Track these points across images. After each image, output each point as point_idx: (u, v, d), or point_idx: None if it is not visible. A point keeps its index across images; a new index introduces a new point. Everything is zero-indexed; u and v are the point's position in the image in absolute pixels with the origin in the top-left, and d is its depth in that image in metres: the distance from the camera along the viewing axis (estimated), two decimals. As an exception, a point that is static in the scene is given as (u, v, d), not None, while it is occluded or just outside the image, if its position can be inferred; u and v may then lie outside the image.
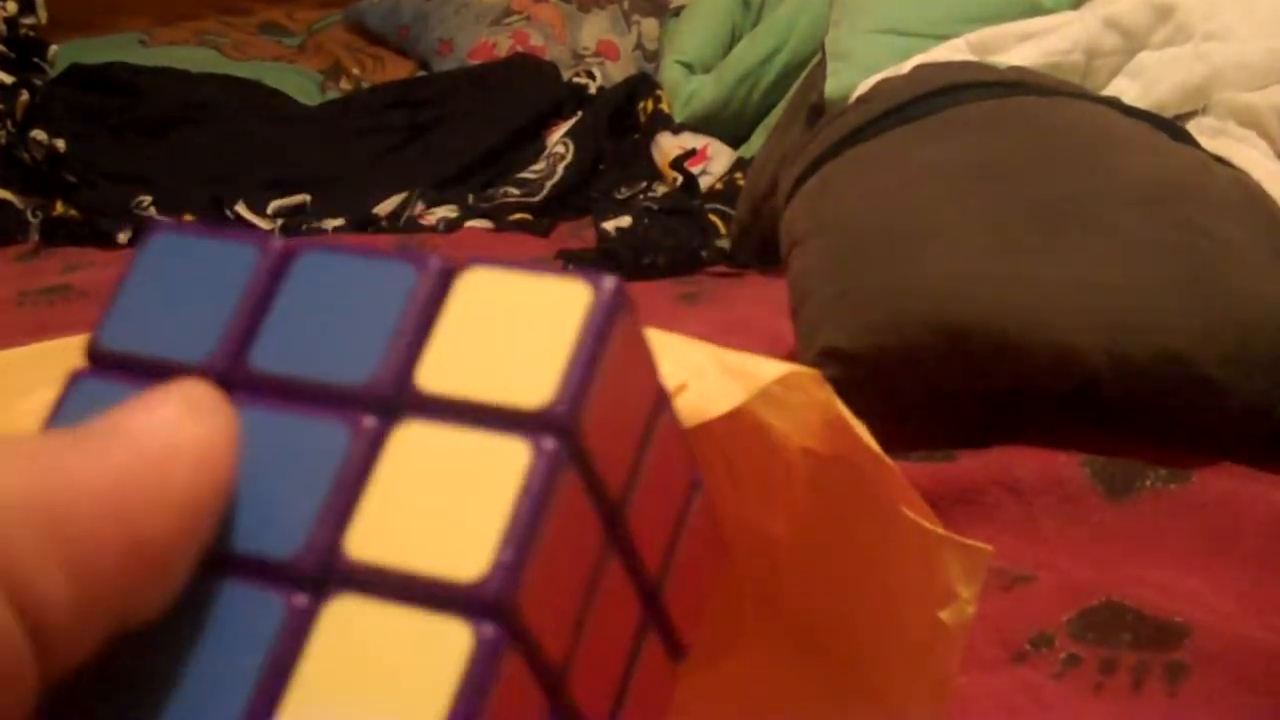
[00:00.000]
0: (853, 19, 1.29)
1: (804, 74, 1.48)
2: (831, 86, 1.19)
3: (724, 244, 1.39)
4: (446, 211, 1.57)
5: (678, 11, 2.14)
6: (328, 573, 0.17)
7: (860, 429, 0.35)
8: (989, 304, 0.78)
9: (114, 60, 2.01)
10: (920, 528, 0.36)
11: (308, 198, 1.60)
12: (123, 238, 1.46)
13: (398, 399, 0.18)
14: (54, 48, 1.68)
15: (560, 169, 1.69)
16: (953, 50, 1.09)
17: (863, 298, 0.81)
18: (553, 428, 0.17)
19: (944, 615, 0.37)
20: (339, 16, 2.44)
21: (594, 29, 2.18)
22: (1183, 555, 0.68)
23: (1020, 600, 0.65)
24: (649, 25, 2.19)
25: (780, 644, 0.39)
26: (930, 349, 0.79)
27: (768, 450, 0.35)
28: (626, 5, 2.21)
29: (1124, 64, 1.06)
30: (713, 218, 1.48)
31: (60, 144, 1.56)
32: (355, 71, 2.25)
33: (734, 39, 1.92)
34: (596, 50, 2.15)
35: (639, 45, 2.17)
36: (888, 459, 0.35)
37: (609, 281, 0.18)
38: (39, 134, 1.55)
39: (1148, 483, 0.72)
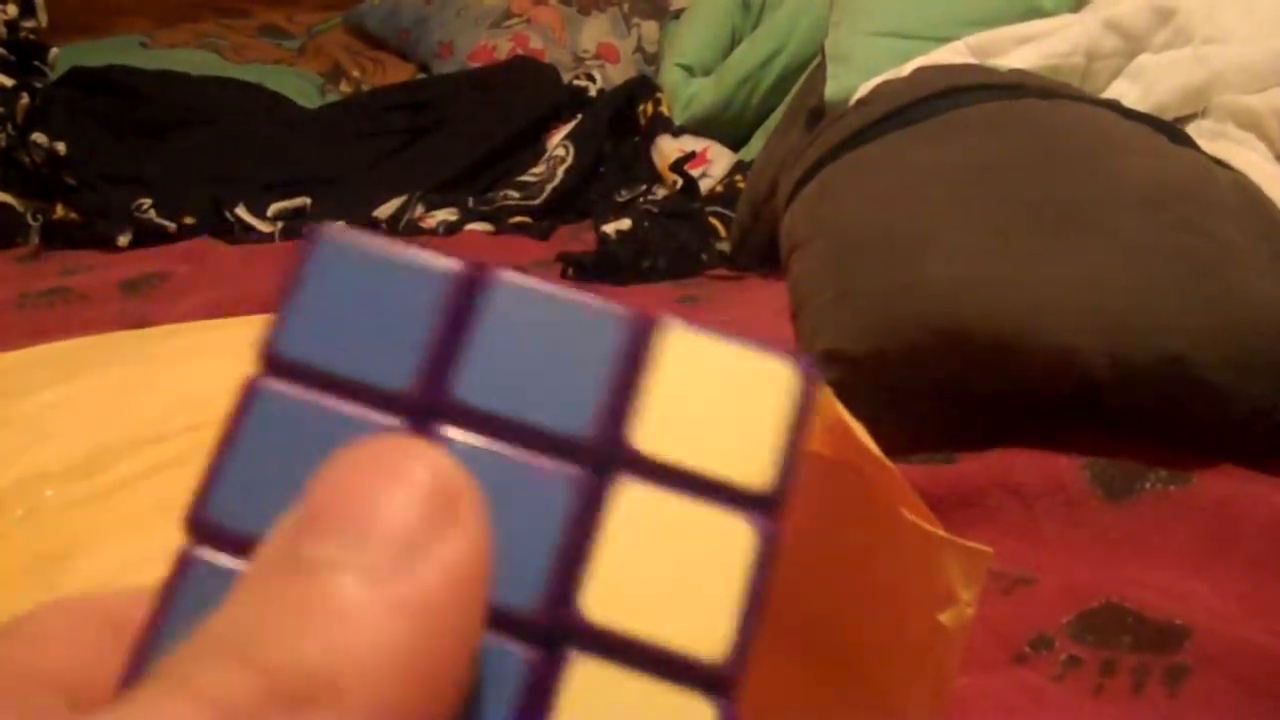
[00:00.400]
0: (852, 21, 1.30)
1: (804, 77, 1.49)
2: (831, 89, 1.19)
3: (724, 247, 1.39)
4: (446, 214, 1.58)
5: (678, 14, 2.14)
6: (563, 630, 0.17)
7: (860, 431, 0.35)
8: (989, 306, 0.78)
9: (114, 63, 2.01)
10: (920, 530, 0.36)
11: (308, 200, 1.61)
12: (123, 240, 1.46)
13: (612, 454, 0.18)
14: (54, 51, 1.68)
15: (560, 172, 1.69)
16: (953, 53, 1.09)
17: (863, 300, 0.81)
18: (771, 510, 0.18)
19: (944, 617, 0.37)
20: (339, 19, 2.45)
21: (594, 32, 2.18)
22: (1183, 557, 0.68)
23: (1020, 602, 0.65)
24: (649, 28, 2.19)
25: (780, 645, 0.39)
26: (930, 351, 0.79)
27: (768, 452, 0.35)
28: (626, 8, 2.21)
29: (1124, 66, 1.06)
30: (713, 220, 1.48)
31: (60, 147, 1.56)
32: (355, 74, 2.25)
33: (734, 42, 1.92)
34: (596, 53, 2.15)
35: (639, 48, 2.17)
36: (888, 461, 0.35)
37: (807, 361, 0.19)
38: (39, 137, 1.55)
39: (1148, 485, 0.72)
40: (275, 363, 0.18)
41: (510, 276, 0.18)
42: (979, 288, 0.78)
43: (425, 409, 0.18)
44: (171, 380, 0.45)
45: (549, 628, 0.17)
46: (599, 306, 0.18)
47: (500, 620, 0.16)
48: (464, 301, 0.18)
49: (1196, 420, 0.76)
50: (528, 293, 0.18)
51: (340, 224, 0.18)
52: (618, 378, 0.18)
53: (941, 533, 0.37)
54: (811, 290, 0.86)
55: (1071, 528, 0.71)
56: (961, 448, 0.76)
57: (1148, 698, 0.59)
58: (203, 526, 0.17)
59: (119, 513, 0.38)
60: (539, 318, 0.18)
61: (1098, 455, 0.74)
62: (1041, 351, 0.76)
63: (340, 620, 0.14)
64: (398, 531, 0.15)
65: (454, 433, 0.17)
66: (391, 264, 0.18)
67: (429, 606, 0.14)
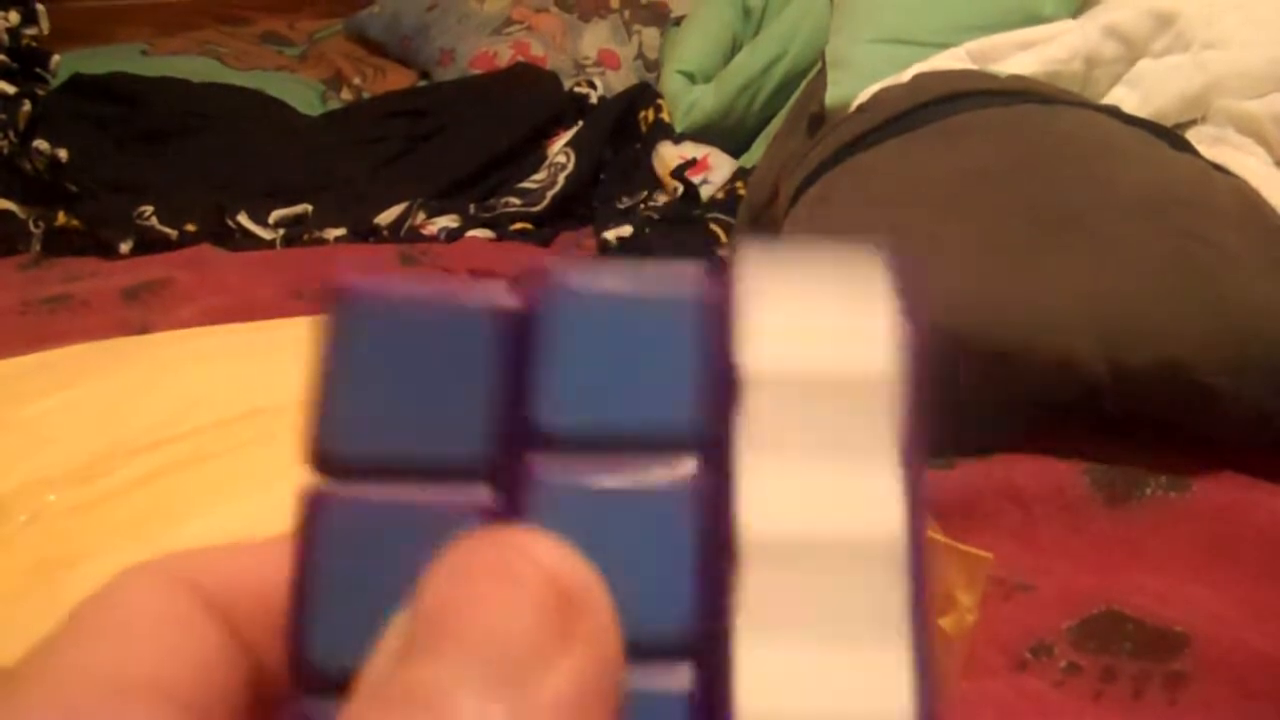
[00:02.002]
0: (853, 28, 1.30)
1: (804, 83, 1.49)
2: (832, 95, 1.19)
3: (725, 253, 1.39)
4: (448, 221, 1.58)
5: (678, 21, 2.15)
6: (717, 646, 0.15)
7: (860, 436, 0.35)
8: (989, 312, 0.78)
9: (116, 70, 2.01)
10: (920, 535, 0.36)
11: (309, 207, 1.61)
12: (124, 247, 1.46)
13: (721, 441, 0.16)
14: (56, 58, 1.68)
15: (561, 178, 1.69)
16: (953, 59, 1.09)
17: (863, 306, 0.82)
18: (913, 459, 0.17)
19: (945, 622, 0.37)
20: (340, 26, 2.45)
21: (595, 38, 2.18)
22: (1183, 563, 0.68)
23: (1021, 609, 0.65)
24: (649, 34, 2.19)
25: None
26: (930, 356, 0.79)
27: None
28: (627, 15, 2.21)
29: (1124, 72, 1.06)
30: (714, 227, 1.48)
31: (62, 154, 1.56)
32: (356, 81, 2.25)
33: (734, 48, 1.93)
34: (597, 60, 2.15)
35: (640, 54, 2.18)
36: (888, 466, 0.35)
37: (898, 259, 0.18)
38: (41, 144, 1.55)
39: (1148, 491, 0.72)
40: (330, 463, 0.16)
41: (560, 291, 0.16)
42: (979, 293, 0.78)
43: (508, 464, 0.15)
44: (173, 386, 0.45)
45: (705, 649, 0.15)
46: (667, 292, 0.16)
47: (646, 651, 0.15)
48: (519, 331, 0.16)
49: (1196, 425, 0.77)
50: (586, 302, 0.16)
51: (360, 279, 0.16)
52: (710, 361, 0.16)
53: (942, 538, 0.37)
54: (812, 296, 0.86)
55: (1071, 534, 0.71)
56: (961, 453, 0.76)
57: (1148, 704, 0.59)
58: (306, 674, 0.15)
59: (121, 517, 0.38)
60: (608, 321, 0.16)
61: (1098, 461, 0.74)
62: (1041, 357, 0.76)
63: None
64: (514, 648, 0.13)
65: (544, 465, 0.15)
66: (429, 311, 0.16)
67: None
